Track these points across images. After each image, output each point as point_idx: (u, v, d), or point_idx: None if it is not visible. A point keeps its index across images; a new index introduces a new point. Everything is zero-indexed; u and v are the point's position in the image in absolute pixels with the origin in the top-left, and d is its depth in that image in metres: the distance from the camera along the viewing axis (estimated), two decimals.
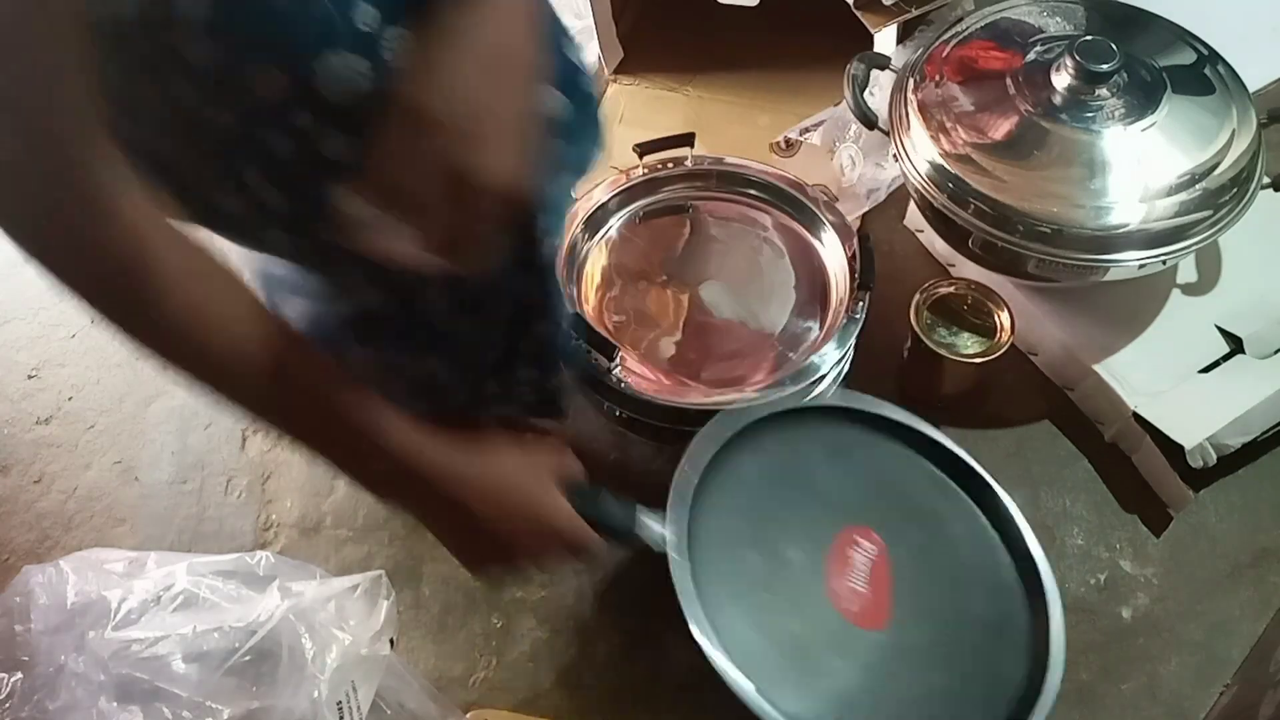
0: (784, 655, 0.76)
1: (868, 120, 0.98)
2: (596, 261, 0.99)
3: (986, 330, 0.93)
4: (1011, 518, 0.85)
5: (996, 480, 0.87)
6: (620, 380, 0.86)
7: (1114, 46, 0.88)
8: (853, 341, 0.92)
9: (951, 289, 0.95)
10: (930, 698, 0.77)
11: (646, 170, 1.01)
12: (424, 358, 0.70)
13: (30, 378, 1.10)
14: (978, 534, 0.86)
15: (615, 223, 1.01)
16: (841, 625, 0.78)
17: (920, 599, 0.81)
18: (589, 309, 0.95)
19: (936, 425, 0.90)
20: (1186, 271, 0.99)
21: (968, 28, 0.98)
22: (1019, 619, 0.82)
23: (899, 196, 1.13)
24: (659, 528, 0.77)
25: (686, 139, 1.00)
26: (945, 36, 0.98)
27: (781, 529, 0.82)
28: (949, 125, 0.90)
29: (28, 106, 0.41)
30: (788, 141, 1.16)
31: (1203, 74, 0.92)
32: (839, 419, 0.89)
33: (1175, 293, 0.97)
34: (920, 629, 0.80)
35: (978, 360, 0.91)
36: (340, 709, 0.74)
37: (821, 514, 0.83)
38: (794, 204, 1.00)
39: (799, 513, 0.83)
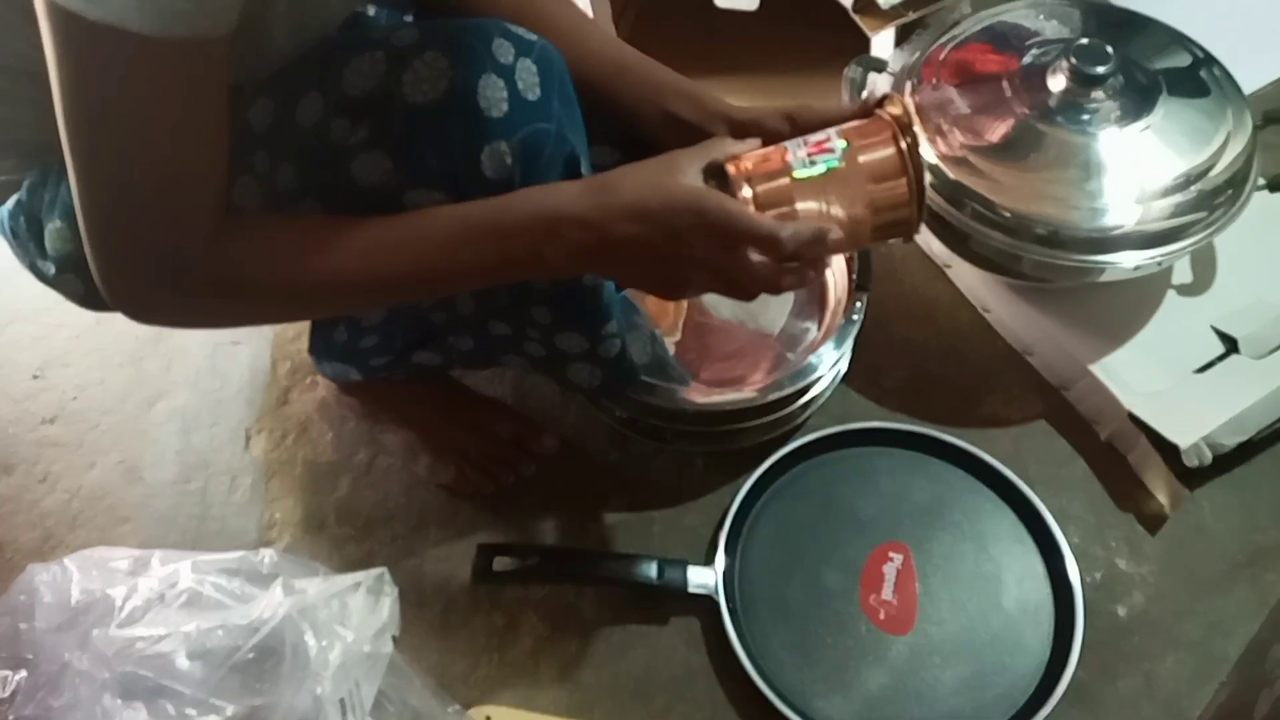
0: (821, 673, 0.83)
1: None
2: None
3: None
4: (1035, 509, 0.90)
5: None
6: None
7: (1110, 49, 0.88)
8: (850, 342, 0.93)
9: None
10: (953, 691, 0.82)
11: None
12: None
13: (34, 378, 1.10)
14: (1005, 529, 0.90)
15: None
16: (873, 634, 0.85)
17: (945, 600, 0.87)
18: None
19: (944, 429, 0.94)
20: (1182, 272, 0.99)
21: (964, 31, 0.98)
22: (1042, 606, 0.86)
23: None
24: (709, 580, 0.86)
25: None
26: (942, 40, 0.98)
27: (819, 556, 0.89)
28: (946, 128, 0.91)
29: None
30: None
31: (1198, 76, 0.92)
32: (866, 442, 0.95)
33: (1171, 293, 0.98)
34: (944, 628, 0.85)
35: None
36: (343, 706, 0.74)
37: (856, 536, 0.90)
38: None
39: (835, 538, 0.90)
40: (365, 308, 0.75)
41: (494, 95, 0.59)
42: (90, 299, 0.69)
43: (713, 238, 0.58)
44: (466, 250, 0.59)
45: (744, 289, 0.61)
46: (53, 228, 0.66)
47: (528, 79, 0.61)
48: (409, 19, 0.75)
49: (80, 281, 0.67)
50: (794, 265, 0.60)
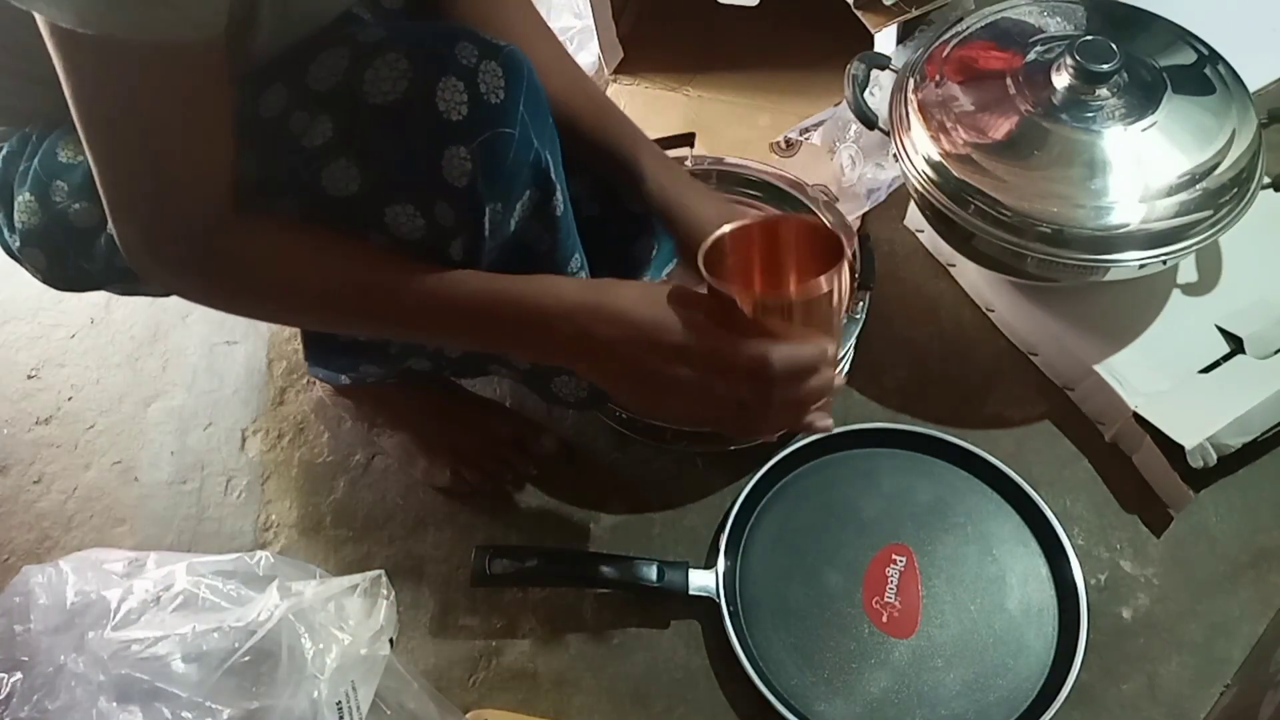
0: (823, 675, 0.83)
1: (868, 120, 0.98)
2: None
3: None
4: (1039, 511, 0.89)
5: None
6: None
7: (1114, 46, 0.87)
8: (853, 341, 0.93)
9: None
10: (956, 694, 0.82)
11: None
12: None
13: (30, 378, 1.10)
14: (1009, 531, 0.90)
15: None
16: (876, 637, 0.85)
17: (948, 602, 0.86)
18: None
19: (947, 429, 0.94)
20: (1187, 271, 0.99)
21: (968, 28, 0.98)
22: (1046, 608, 0.86)
23: (899, 196, 1.13)
24: (709, 582, 0.86)
25: (687, 139, 1.00)
26: (945, 36, 0.97)
27: (821, 558, 0.89)
28: (949, 125, 0.90)
29: None
30: (788, 141, 1.16)
31: (1203, 74, 0.92)
32: (868, 442, 0.95)
33: (1175, 293, 0.97)
34: (947, 630, 0.85)
35: None
36: (340, 709, 0.74)
37: (858, 538, 0.89)
38: (794, 204, 1.00)
39: (837, 540, 0.89)
40: (355, 330, 0.76)
41: (453, 98, 0.57)
42: (51, 275, 0.69)
43: (693, 361, 0.58)
44: (462, 316, 0.61)
45: (725, 413, 0.61)
46: (22, 200, 0.66)
47: (491, 82, 0.59)
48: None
49: (43, 255, 0.68)
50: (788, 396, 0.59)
